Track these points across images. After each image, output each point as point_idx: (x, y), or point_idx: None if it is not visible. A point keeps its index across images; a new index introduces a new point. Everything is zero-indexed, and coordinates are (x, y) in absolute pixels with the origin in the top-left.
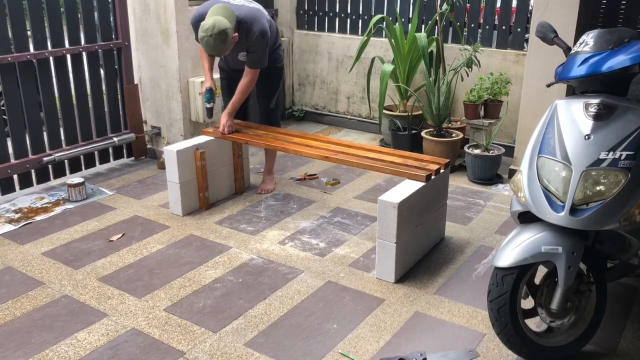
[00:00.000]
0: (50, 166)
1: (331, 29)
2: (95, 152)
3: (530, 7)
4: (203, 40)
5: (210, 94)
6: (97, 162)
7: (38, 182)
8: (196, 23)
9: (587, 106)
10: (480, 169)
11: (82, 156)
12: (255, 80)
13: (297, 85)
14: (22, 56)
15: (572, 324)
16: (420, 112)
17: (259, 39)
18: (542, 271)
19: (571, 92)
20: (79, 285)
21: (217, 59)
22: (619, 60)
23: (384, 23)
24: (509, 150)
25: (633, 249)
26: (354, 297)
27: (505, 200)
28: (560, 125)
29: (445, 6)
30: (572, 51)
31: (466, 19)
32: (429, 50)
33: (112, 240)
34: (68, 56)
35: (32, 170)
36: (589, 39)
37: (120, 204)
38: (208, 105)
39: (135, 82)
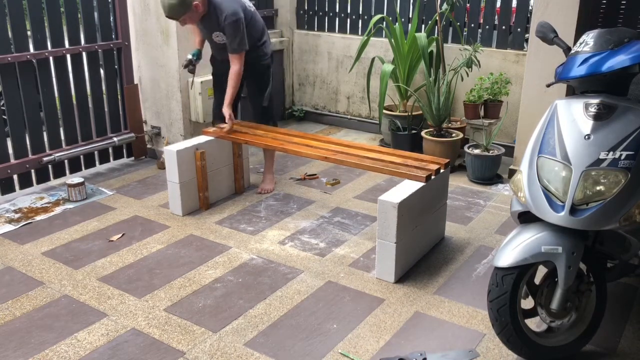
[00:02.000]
0: (50, 166)
1: (331, 29)
2: (95, 152)
3: (530, 7)
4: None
5: (197, 51)
6: (97, 162)
7: (38, 182)
8: None
9: (587, 106)
10: (480, 169)
11: (82, 156)
12: (242, 66)
13: (297, 85)
14: (22, 56)
15: (572, 324)
16: (420, 112)
17: (230, 18)
18: (542, 271)
19: (571, 92)
20: (79, 285)
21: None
22: (619, 60)
23: (384, 23)
24: (509, 150)
25: (633, 249)
26: (354, 297)
27: (505, 200)
28: (560, 125)
29: (445, 6)
30: (572, 51)
31: (466, 19)
32: (429, 50)
33: (112, 240)
34: (68, 56)
35: (32, 170)
36: (589, 39)
37: (120, 204)
38: (190, 57)
39: (135, 82)
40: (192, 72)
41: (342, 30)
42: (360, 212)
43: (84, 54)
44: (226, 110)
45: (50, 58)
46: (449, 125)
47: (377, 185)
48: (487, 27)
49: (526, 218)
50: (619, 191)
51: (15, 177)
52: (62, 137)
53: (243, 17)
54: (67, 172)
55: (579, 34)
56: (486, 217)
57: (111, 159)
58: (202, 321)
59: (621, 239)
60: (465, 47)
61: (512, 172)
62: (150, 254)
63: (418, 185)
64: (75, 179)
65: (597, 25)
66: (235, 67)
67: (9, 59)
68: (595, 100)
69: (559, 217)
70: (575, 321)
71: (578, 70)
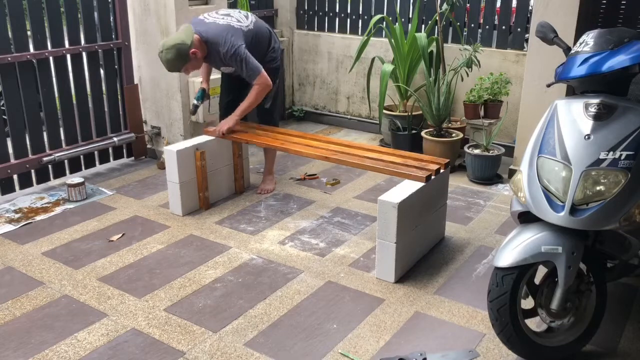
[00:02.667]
0: (50, 166)
1: (331, 29)
2: (95, 152)
3: (530, 7)
4: (159, 57)
5: (202, 93)
6: (97, 162)
7: (38, 182)
8: None
9: (587, 106)
10: (480, 169)
11: (82, 156)
12: (264, 88)
13: (297, 85)
14: (22, 56)
15: (572, 324)
16: (420, 112)
17: (230, 52)
18: (542, 271)
19: (571, 92)
20: (79, 285)
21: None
22: (619, 60)
23: (384, 23)
24: (509, 150)
25: (633, 249)
26: (354, 297)
27: (505, 200)
28: (560, 125)
29: (445, 6)
30: (572, 51)
31: (466, 19)
32: (429, 50)
33: (112, 240)
34: (68, 56)
35: (32, 170)
36: (589, 39)
37: (120, 204)
38: (196, 102)
39: (135, 82)
40: (194, 113)
41: (342, 30)
42: (360, 212)
43: (84, 54)
44: (232, 120)
45: (50, 58)
46: (449, 125)
47: (377, 185)
48: (487, 27)
49: (526, 218)
50: (619, 191)
51: (15, 177)
52: (62, 137)
53: (243, 44)
54: (67, 172)
55: (579, 34)
56: (486, 217)
57: (111, 159)
58: (202, 321)
59: (621, 239)
60: (465, 47)
61: (512, 172)
62: (150, 254)
63: (418, 185)
64: (75, 179)
65: (597, 25)
66: (255, 89)
67: (9, 59)
68: (595, 100)
69: (559, 217)
70: (575, 321)
71: (578, 71)
